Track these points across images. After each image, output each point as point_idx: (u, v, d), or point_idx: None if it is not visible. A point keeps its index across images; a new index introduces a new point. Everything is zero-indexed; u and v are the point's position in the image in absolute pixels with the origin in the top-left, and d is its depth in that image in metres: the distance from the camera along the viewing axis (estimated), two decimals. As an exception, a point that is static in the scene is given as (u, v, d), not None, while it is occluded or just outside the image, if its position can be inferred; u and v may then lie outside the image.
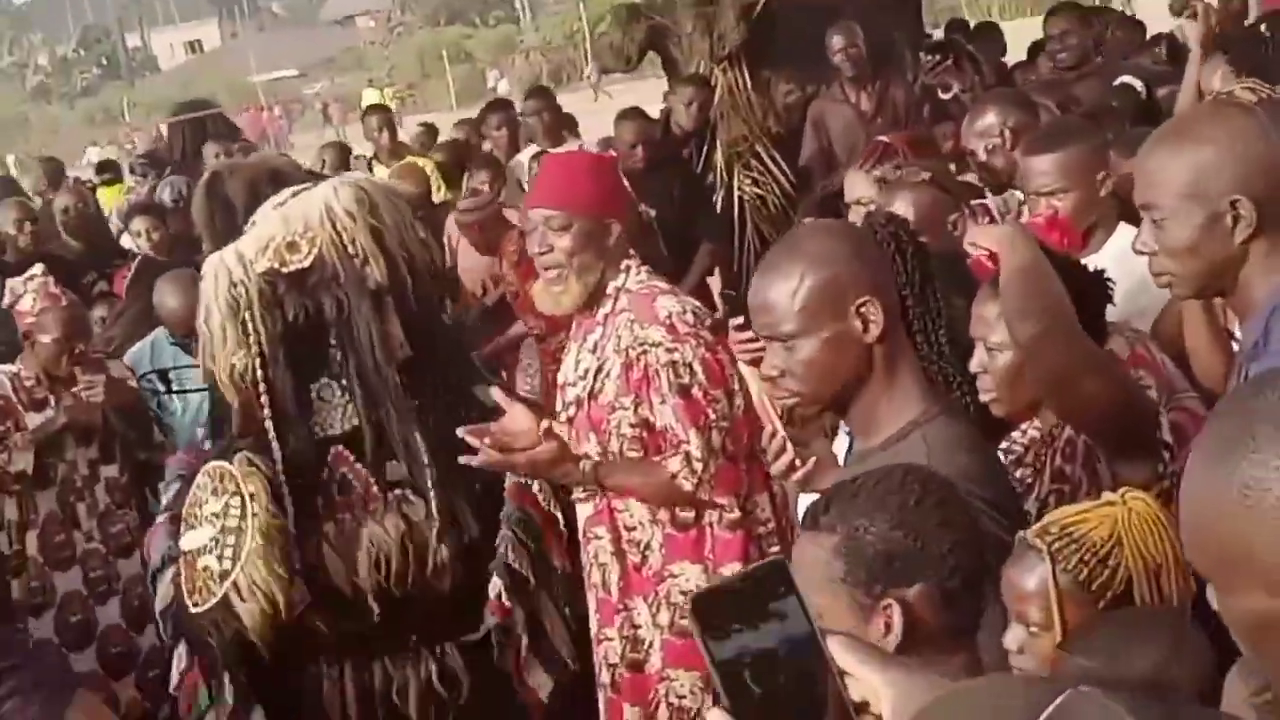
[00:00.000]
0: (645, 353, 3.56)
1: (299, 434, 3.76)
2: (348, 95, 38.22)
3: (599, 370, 3.66)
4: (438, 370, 3.86)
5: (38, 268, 5.49)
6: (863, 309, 2.47)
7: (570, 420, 3.73)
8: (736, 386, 3.56)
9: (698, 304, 3.74)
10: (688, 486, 3.52)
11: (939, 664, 1.94)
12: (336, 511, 3.78)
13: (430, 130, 11.27)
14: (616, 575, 3.70)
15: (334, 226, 3.70)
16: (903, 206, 3.73)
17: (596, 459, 3.59)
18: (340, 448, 3.79)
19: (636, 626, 3.70)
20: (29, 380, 5.30)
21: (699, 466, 3.51)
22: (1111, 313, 3.06)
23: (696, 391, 3.52)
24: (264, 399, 3.72)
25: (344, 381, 3.76)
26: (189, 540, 3.69)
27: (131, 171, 10.61)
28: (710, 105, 7.81)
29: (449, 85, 41.28)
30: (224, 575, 3.61)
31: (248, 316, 3.68)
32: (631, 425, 3.59)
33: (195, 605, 3.65)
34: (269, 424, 3.74)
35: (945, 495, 2.07)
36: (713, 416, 3.53)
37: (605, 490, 3.65)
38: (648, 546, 3.68)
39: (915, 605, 2.00)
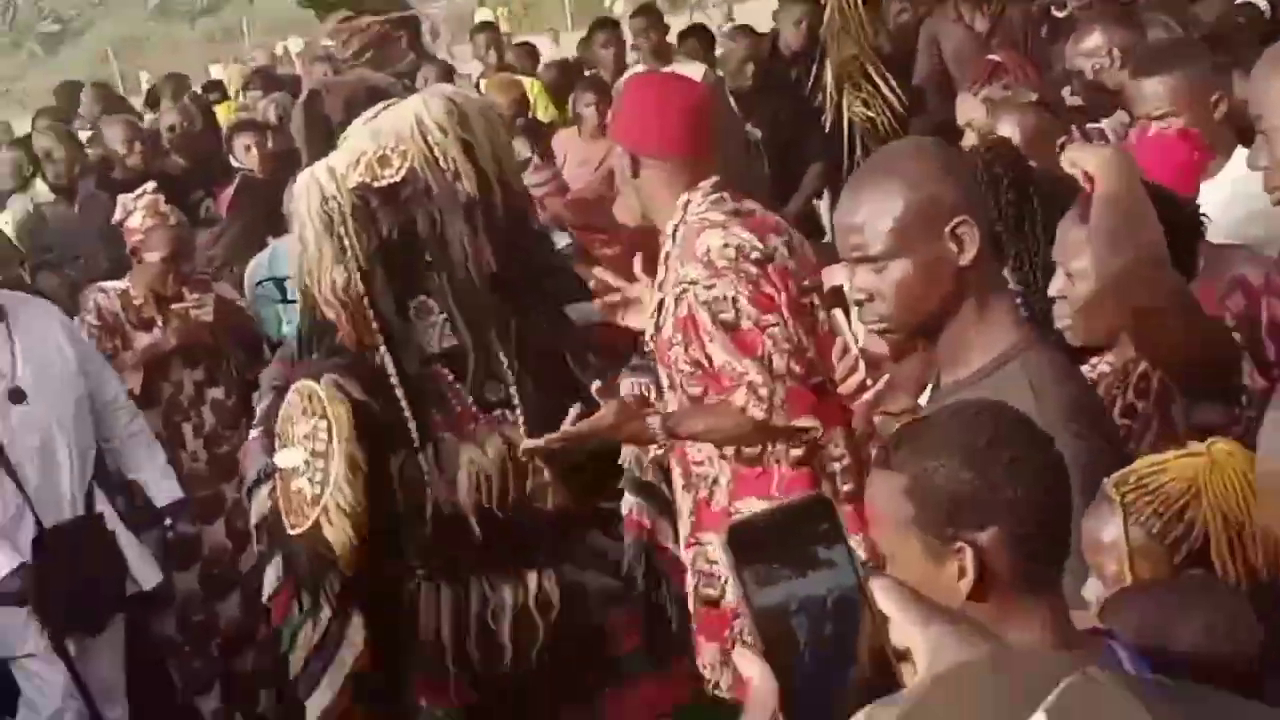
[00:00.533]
0: (685, 291, 3.48)
1: (409, 349, 3.75)
2: (462, 14, 38.16)
3: (660, 306, 3.59)
4: (530, 285, 3.84)
5: (148, 185, 5.53)
6: (958, 230, 2.39)
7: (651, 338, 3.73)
8: (788, 314, 3.43)
9: (746, 236, 3.49)
10: (759, 414, 3.38)
11: (1017, 615, 1.87)
12: (435, 430, 3.76)
13: (530, 51, 11.15)
14: (688, 509, 3.67)
15: (425, 139, 3.65)
16: (1008, 128, 3.66)
17: (664, 413, 3.55)
18: (439, 366, 3.78)
19: (711, 561, 3.64)
20: (137, 299, 5.40)
21: (765, 393, 3.38)
22: (1235, 237, 2.95)
23: (745, 323, 3.41)
24: (370, 314, 3.71)
25: (440, 298, 3.73)
26: (283, 458, 3.70)
27: (246, 88, 10.63)
28: (819, 25, 7.65)
29: (564, 3, 41.04)
30: (315, 500, 3.61)
31: (343, 232, 3.66)
32: (686, 363, 3.53)
33: (292, 527, 3.67)
34: (379, 339, 3.73)
35: (1020, 433, 1.96)
36: (768, 343, 3.40)
37: (680, 439, 3.55)
38: (715, 481, 3.62)
39: (987, 550, 1.90)
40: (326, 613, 3.73)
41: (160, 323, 5.37)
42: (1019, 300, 2.66)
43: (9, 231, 7.22)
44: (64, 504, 4.61)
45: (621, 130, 3.68)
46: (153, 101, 10.85)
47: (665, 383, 3.64)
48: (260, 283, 5.70)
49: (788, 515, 1.13)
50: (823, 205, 7.67)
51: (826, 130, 7.14)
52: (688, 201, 3.57)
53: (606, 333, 3.86)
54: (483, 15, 26.38)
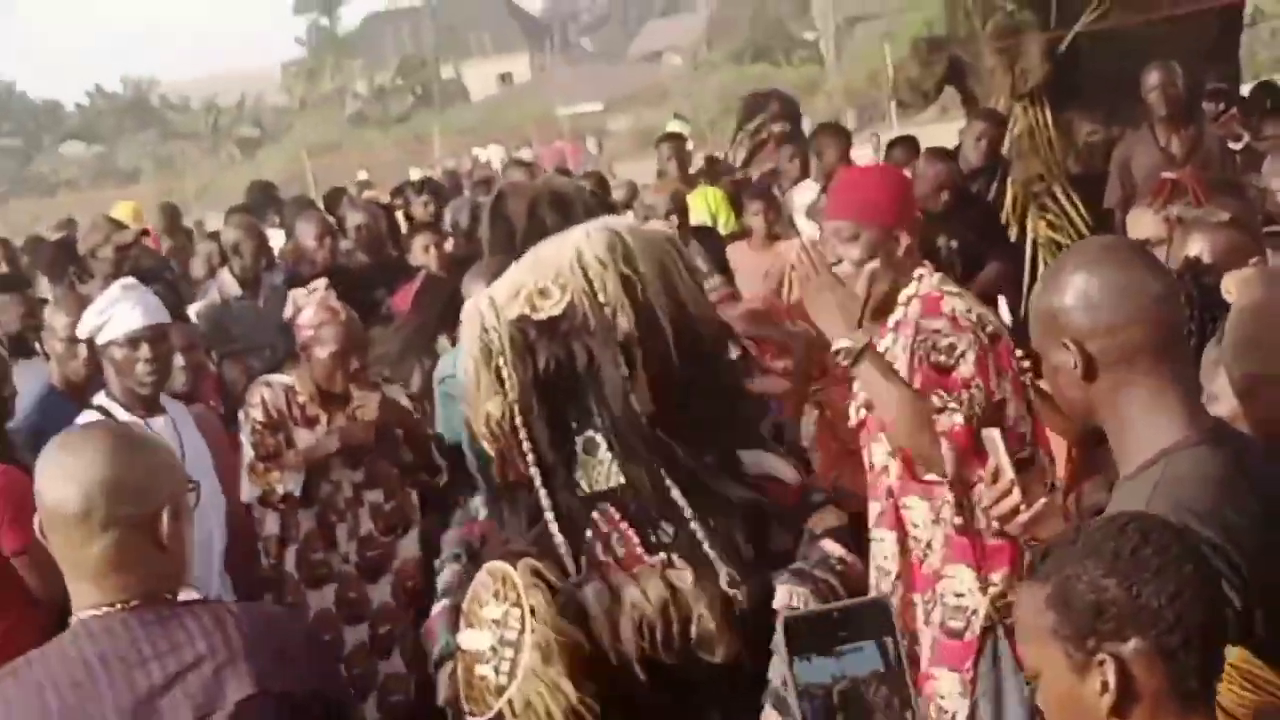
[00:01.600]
0: (926, 339, 3.82)
1: (564, 486, 3.62)
2: (648, 131, 38.79)
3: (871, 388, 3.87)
4: (702, 429, 3.66)
5: (320, 281, 5.58)
6: (1069, 346, 2.43)
7: (861, 424, 4.07)
8: (1011, 388, 3.81)
9: (982, 310, 3.91)
10: (960, 419, 3.72)
11: None
12: (602, 573, 3.58)
13: (713, 162, 11.26)
14: (895, 571, 3.94)
15: (584, 274, 3.58)
16: (1198, 247, 3.57)
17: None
18: (608, 506, 3.62)
19: (959, 594, 3.87)
20: (302, 396, 5.36)
21: (966, 401, 3.73)
22: None
23: (959, 372, 3.75)
24: (526, 448, 3.61)
25: (605, 435, 3.60)
26: (468, 640, 3.53)
27: (418, 193, 10.88)
28: (1000, 142, 7.58)
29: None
30: (500, 690, 3.42)
31: (500, 363, 3.59)
32: None
33: (471, 715, 3.49)
34: (534, 474, 3.62)
35: (1170, 542, 1.89)
36: (967, 397, 3.74)
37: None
38: (929, 546, 3.94)
39: (1131, 663, 1.84)
40: None
41: (324, 421, 5.34)
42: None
43: (196, 322, 7.41)
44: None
45: (871, 209, 3.97)
46: (331, 204, 11.15)
47: (879, 450, 4.02)
48: (444, 380, 5.69)
49: (844, 614, 1.23)
50: (1002, 309, 7.54)
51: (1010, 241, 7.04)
52: (922, 275, 3.96)
53: (776, 489, 3.68)
54: (672, 128, 26.79)
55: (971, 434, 3.69)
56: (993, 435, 2.74)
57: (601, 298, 3.54)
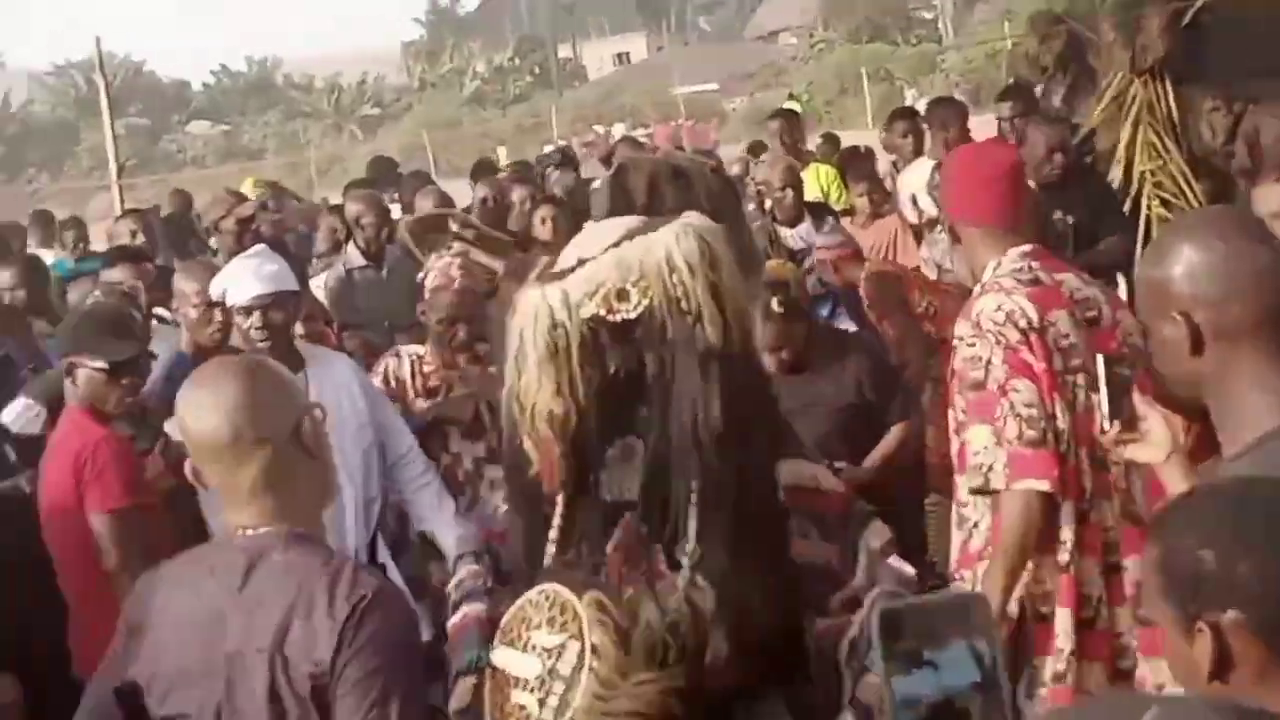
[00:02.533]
0: (955, 348, 3.85)
1: (589, 497, 3.28)
2: (764, 111, 38.60)
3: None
4: (753, 451, 3.34)
5: (457, 245, 5.65)
6: (1176, 318, 2.42)
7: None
8: (1043, 382, 3.78)
9: (1023, 303, 3.83)
10: (976, 482, 3.80)
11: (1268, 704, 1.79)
12: (618, 582, 3.28)
13: (831, 140, 11.25)
14: (959, 544, 3.94)
15: (669, 278, 3.26)
16: None
17: None
18: (628, 515, 3.27)
19: (1040, 582, 3.87)
20: (430, 365, 5.37)
21: (982, 462, 3.79)
22: None
23: (991, 384, 3.77)
24: (569, 457, 3.27)
25: (648, 443, 3.26)
26: (507, 661, 3.23)
27: (556, 166, 10.98)
28: (1118, 114, 7.51)
29: (866, 103, 41.19)
30: None
31: (567, 363, 3.25)
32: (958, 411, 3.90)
33: None
34: (563, 485, 3.27)
35: (1271, 516, 1.89)
36: (1007, 406, 3.76)
37: None
38: (975, 525, 3.96)
39: (1228, 633, 1.86)
40: None
41: (445, 393, 5.36)
42: None
43: (320, 294, 7.57)
44: (348, 554, 4.73)
45: (944, 199, 4.07)
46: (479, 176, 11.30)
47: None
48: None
49: (940, 607, 1.20)
50: (1120, 291, 7.47)
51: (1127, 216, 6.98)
52: (996, 265, 3.93)
53: (815, 500, 3.48)
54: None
55: (1042, 459, 3.76)
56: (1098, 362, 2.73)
57: (685, 305, 3.23)
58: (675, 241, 3.26)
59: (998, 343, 3.79)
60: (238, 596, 2.67)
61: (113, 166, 12.28)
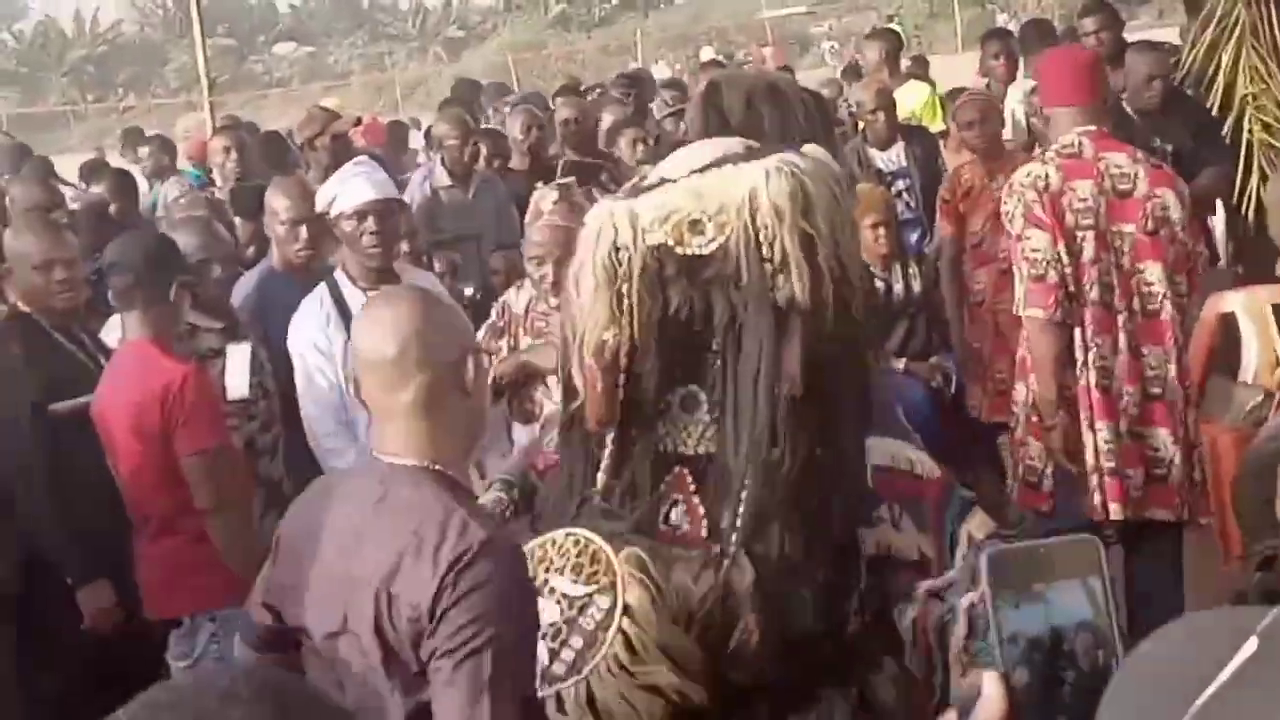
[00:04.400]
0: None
1: (644, 442, 3.10)
2: (851, 34, 38.18)
3: None
4: (836, 423, 3.09)
5: (569, 179, 5.60)
6: None
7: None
8: (1056, 234, 4.71)
9: (1051, 171, 4.78)
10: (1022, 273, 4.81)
11: None
12: (656, 540, 3.10)
13: (920, 62, 11.13)
14: None
15: (753, 218, 3.00)
16: None
17: None
18: (683, 469, 3.09)
19: None
20: (542, 304, 5.17)
21: (1019, 291, 4.79)
22: None
23: (1014, 230, 4.82)
24: (622, 393, 3.09)
25: (714, 397, 3.06)
26: None
27: (625, 89, 10.88)
28: (1218, 41, 7.33)
29: (956, 28, 40.59)
30: (552, 678, 2.93)
31: (625, 290, 3.03)
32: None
33: None
34: (614, 425, 3.11)
35: None
36: (1020, 250, 4.78)
37: None
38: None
39: None
40: None
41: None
42: None
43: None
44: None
45: (1039, 92, 5.41)
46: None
47: None
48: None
49: (1050, 549, 1.18)
50: (1218, 225, 7.34)
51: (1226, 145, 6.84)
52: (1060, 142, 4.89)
53: (906, 484, 3.19)
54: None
55: (1043, 291, 4.70)
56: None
57: (766, 251, 2.98)
58: (766, 179, 3.02)
59: (1019, 201, 4.76)
60: (368, 523, 2.69)
61: (204, 84, 12.30)
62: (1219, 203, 7.29)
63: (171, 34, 59.94)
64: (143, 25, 68.08)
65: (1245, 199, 6.91)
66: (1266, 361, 5.05)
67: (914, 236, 7.33)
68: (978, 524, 3.14)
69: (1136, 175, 4.81)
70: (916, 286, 6.92)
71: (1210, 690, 0.97)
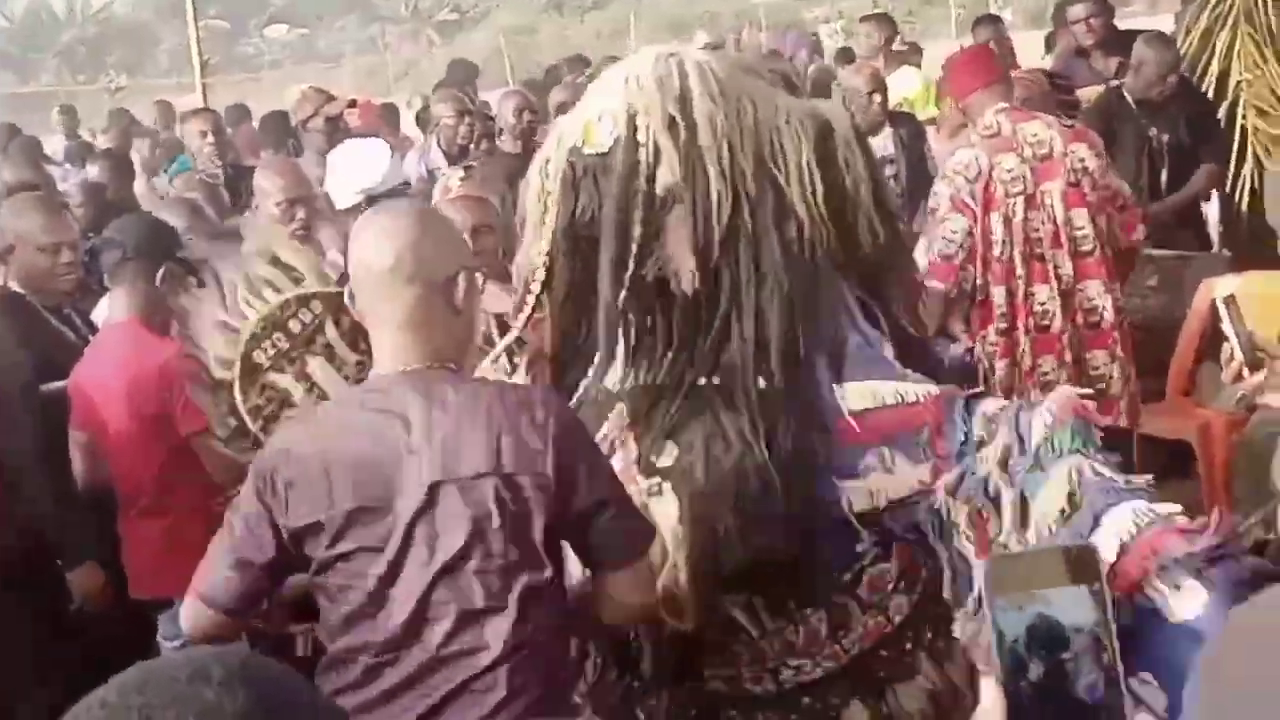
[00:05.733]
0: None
1: (576, 369, 3.03)
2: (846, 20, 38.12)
3: None
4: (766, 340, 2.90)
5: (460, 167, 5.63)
6: None
7: None
8: (976, 216, 5.30)
9: (976, 155, 5.38)
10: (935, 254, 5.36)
11: None
12: None
13: (915, 49, 11.12)
14: None
15: (630, 106, 2.90)
16: None
17: None
18: (624, 409, 2.96)
19: None
20: None
21: (922, 264, 5.09)
22: None
23: (938, 212, 5.37)
24: (543, 310, 3.02)
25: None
26: None
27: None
28: (1215, 29, 7.35)
29: (950, 12, 40.53)
30: None
31: (548, 202, 2.99)
32: None
33: None
34: (546, 334, 3.05)
35: None
36: (938, 230, 5.35)
37: None
38: None
39: None
40: None
41: None
42: None
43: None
44: None
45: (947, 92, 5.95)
46: (550, 82, 11.23)
47: None
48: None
49: (1050, 557, 1.20)
50: (1211, 212, 7.34)
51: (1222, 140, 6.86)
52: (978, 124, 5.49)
53: (874, 425, 2.92)
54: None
55: (947, 269, 5.29)
56: (1225, 322, 2.68)
57: (641, 137, 2.88)
58: (640, 62, 2.97)
59: (950, 185, 5.36)
60: (426, 429, 2.68)
61: (196, 66, 12.28)
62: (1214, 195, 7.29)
63: (163, 16, 59.66)
64: (134, 7, 67.83)
65: (1239, 185, 6.94)
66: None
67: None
68: (985, 405, 2.89)
69: (1052, 139, 5.44)
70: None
71: None
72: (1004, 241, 5.35)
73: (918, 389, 2.94)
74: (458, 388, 2.74)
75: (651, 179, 2.87)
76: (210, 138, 8.02)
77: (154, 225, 4.91)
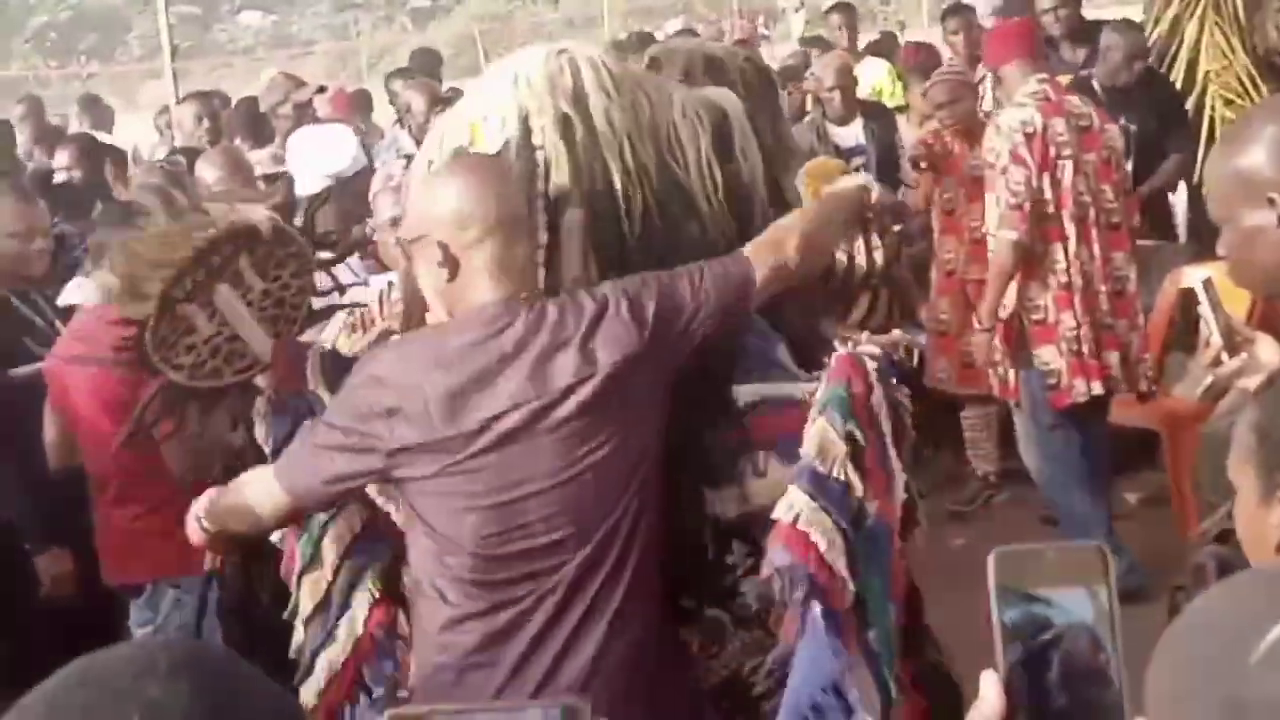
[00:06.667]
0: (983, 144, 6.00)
1: None
2: (818, 6, 38.07)
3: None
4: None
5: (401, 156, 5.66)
6: (1274, 200, 2.38)
7: None
8: (1033, 169, 5.55)
9: (1031, 115, 5.59)
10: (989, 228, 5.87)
11: None
12: None
13: (889, 38, 11.15)
14: None
15: (521, 106, 2.93)
16: None
17: None
18: None
19: None
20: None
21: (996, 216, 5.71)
22: None
23: (998, 168, 5.63)
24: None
25: None
26: None
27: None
28: (1182, 16, 7.40)
29: (923, 2, 40.60)
30: None
31: None
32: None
33: None
34: None
35: None
36: (1003, 182, 5.59)
37: None
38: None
39: None
40: None
41: None
42: None
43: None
44: None
45: (985, 55, 6.43)
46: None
47: None
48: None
49: (1058, 554, 1.19)
50: (1178, 203, 7.38)
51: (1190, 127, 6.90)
52: (1022, 90, 5.71)
53: (760, 422, 2.98)
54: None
55: (1018, 216, 5.52)
56: (1204, 310, 2.69)
57: (536, 139, 2.92)
58: (528, 63, 2.98)
59: (1007, 139, 5.57)
60: (526, 350, 2.73)
61: (167, 52, 12.21)
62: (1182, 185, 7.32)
63: (135, 2, 59.37)
64: (106, -8, 67.45)
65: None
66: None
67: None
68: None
69: (1090, 113, 5.79)
70: (879, 259, 6.93)
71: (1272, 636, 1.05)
72: (1052, 200, 5.60)
73: (807, 388, 2.95)
74: (540, 308, 2.78)
75: (549, 179, 2.92)
76: (205, 122, 7.99)
77: (135, 212, 4.91)
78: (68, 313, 4.94)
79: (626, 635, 2.77)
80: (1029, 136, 5.56)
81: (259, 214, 3.51)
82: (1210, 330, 2.67)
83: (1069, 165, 5.61)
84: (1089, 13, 8.48)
